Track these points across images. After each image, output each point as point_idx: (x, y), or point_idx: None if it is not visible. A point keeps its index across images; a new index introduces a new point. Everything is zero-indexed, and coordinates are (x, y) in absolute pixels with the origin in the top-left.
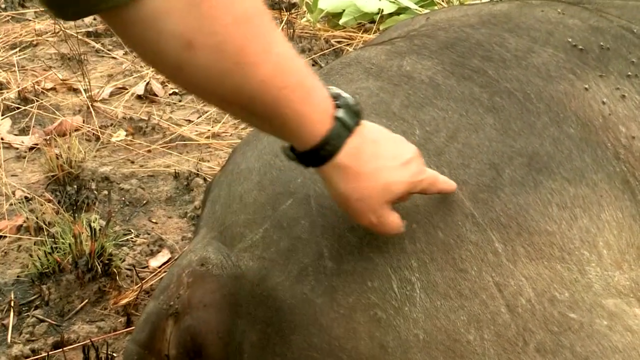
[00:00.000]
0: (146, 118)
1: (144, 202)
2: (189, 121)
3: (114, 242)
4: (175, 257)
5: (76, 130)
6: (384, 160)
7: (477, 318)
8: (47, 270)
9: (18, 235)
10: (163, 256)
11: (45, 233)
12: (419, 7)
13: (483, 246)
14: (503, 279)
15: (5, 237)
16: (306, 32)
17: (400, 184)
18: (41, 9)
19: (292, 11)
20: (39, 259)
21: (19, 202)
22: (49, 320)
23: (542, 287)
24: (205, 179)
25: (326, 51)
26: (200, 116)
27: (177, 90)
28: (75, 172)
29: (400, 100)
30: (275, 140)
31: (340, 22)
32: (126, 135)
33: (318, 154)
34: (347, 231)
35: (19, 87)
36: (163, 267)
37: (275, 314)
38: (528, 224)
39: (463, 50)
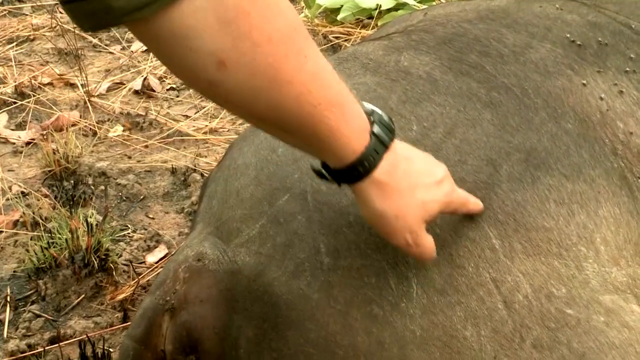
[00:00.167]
0: (143, 113)
1: (141, 197)
2: (187, 116)
3: (110, 237)
4: (172, 253)
5: (73, 125)
6: (419, 177)
7: (473, 314)
8: (43, 266)
9: (14, 230)
10: (160, 251)
11: (42, 228)
12: (417, 2)
13: (480, 242)
14: (500, 275)
15: (1, 232)
16: None
17: (435, 203)
18: (38, 4)
19: None
20: (36, 254)
21: (16, 197)
22: (46, 316)
23: (539, 283)
24: (202, 175)
25: (324, 47)
26: (198, 111)
27: (174, 86)
28: (72, 167)
29: (398, 96)
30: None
31: (338, 17)
32: (123, 131)
33: (355, 171)
34: (344, 227)
35: (15, 82)
36: (160, 262)
37: (272, 310)
38: (525, 220)
39: (461, 45)
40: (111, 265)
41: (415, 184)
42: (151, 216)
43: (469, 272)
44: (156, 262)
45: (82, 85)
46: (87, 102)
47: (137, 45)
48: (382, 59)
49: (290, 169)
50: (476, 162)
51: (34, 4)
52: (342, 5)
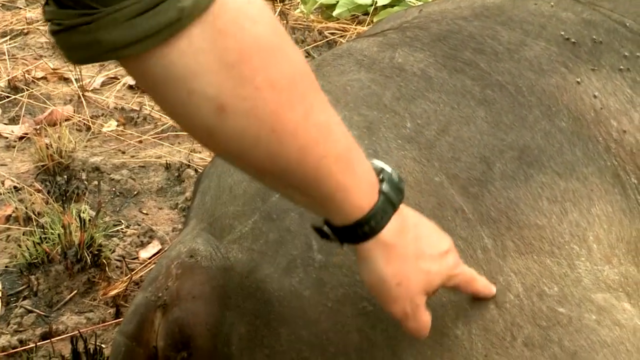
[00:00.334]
0: (137, 108)
1: (135, 192)
2: None
3: (103, 232)
4: (166, 249)
5: (67, 120)
6: (426, 246)
7: (465, 313)
8: (35, 261)
9: (7, 225)
10: (153, 247)
11: (35, 223)
12: None
13: (472, 242)
14: (492, 274)
15: None
16: (300, 24)
17: (438, 275)
18: None
19: (286, 2)
20: (28, 249)
21: (8, 192)
22: (37, 311)
23: (531, 281)
24: (196, 170)
25: (319, 43)
26: None
27: None
28: (66, 162)
29: (392, 93)
30: None
31: (334, 13)
32: (117, 126)
33: (361, 230)
34: None
35: (9, 76)
36: (153, 258)
37: (264, 306)
38: (518, 217)
39: (455, 42)
40: (104, 260)
41: (422, 252)
42: (145, 212)
43: None
44: (149, 258)
45: (76, 79)
46: (81, 96)
47: None
48: (377, 55)
49: None
50: (469, 159)
51: None
52: (337, 2)
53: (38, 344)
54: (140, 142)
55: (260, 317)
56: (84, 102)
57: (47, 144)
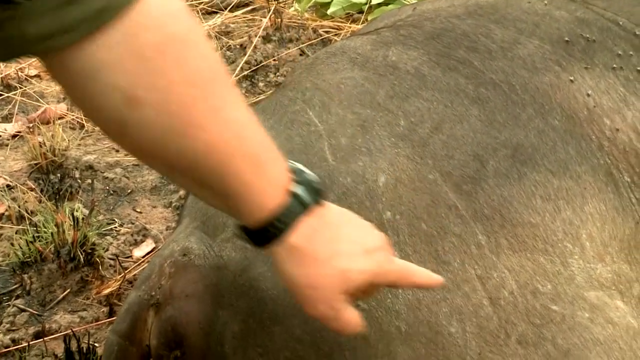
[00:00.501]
0: None
1: (129, 191)
2: None
3: (97, 231)
4: (159, 247)
5: (60, 118)
6: (344, 245)
7: (459, 310)
8: (28, 260)
9: None
10: (147, 246)
11: (27, 222)
12: None
13: (466, 238)
14: (486, 271)
15: None
16: (294, 22)
17: (360, 273)
18: None
19: (280, 0)
20: (21, 247)
21: (1, 190)
22: (30, 310)
23: (525, 279)
24: None
25: (314, 41)
26: None
27: None
28: (59, 161)
29: (386, 91)
30: None
31: (329, 12)
32: None
33: (268, 232)
34: None
35: (1, 74)
36: (147, 256)
37: (257, 305)
38: (512, 215)
39: (449, 40)
40: (97, 259)
41: (338, 252)
42: (138, 210)
43: (455, 268)
44: (143, 257)
45: None
46: None
47: None
48: (370, 53)
49: None
50: (463, 157)
51: None
52: (332, 0)
53: (31, 343)
54: None
55: (253, 315)
56: None
57: (40, 142)
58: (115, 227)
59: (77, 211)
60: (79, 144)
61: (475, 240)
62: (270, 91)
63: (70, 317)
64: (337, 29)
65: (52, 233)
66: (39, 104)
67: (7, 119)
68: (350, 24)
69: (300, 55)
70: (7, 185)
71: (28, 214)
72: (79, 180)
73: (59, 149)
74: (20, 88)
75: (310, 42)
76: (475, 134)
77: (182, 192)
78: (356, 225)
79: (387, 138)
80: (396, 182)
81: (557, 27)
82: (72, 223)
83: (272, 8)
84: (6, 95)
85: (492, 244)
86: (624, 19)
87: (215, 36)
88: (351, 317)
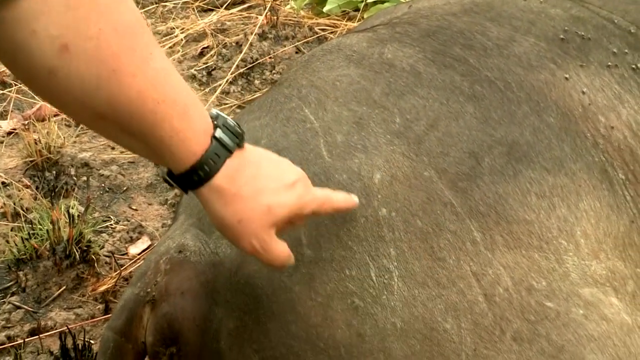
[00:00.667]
0: None
1: (124, 188)
2: None
3: (92, 228)
4: (155, 244)
5: (55, 115)
6: (266, 182)
7: (454, 307)
8: (24, 257)
9: None
10: (143, 243)
11: (23, 219)
12: None
13: (461, 235)
14: (481, 267)
15: None
16: (290, 20)
17: (283, 207)
18: None
19: None
20: (16, 245)
21: None
22: (26, 307)
23: (520, 276)
24: None
25: (310, 39)
26: None
27: None
28: (54, 158)
29: (381, 88)
30: (255, 127)
31: (324, 9)
32: None
33: (195, 175)
34: (325, 219)
35: None
36: (142, 254)
37: (253, 302)
38: (507, 212)
39: (445, 38)
40: (93, 256)
41: (261, 189)
42: (134, 207)
43: (450, 264)
44: (139, 254)
45: None
46: None
47: None
48: (366, 51)
49: None
50: (458, 154)
51: None
52: None
53: (26, 340)
54: None
55: (249, 312)
56: None
57: (35, 140)
58: (111, 225)
59: (72, 208)
60: (75, 142)
61: (470, 237)
62: (266, 89)
63: (65, 314)
64: (333, 26)
65: (47, 230)
66: (34, 101)
67: (2, 116)
68: (346, 21)
69: (296, 52)
70: (3, 183)
71: (23, 211)
72: (75, 178)
73: (54, 146)
74: (16, 85)
75: (306, 39)
76: (471, 131)
77: (177, 190)
78: (275, 162)
79: (382, 135)
80: (392, 179)
81: (552, 25)
82: (67, 220)
83: (268, 6)
84: (1, 92)
85: (487, 241)
86: (618, 17)
87: (211, 34)
88: (281, 250)
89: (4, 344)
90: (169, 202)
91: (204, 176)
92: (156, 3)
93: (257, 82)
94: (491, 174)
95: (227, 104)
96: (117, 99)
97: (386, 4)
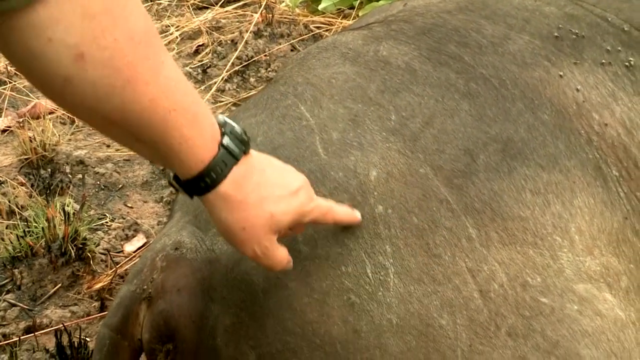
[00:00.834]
0: None
1: (120, 186)
2: None
3: (88, 226)
4: (151, 242)
5: (50, 113)
6: (271, 189)
7: (450, 303)
8: (19, 254)
9: None
10: (138, 241)
11: (18, 217)
12: None
13: (457, 232)
14: (476, 264)
15: None
16: (285, 17)
17: (286, 214)
18: None
19: None
20: (11, 242)
21: None
22: (21, 305)
23: (515, 272)
24: None
25: (305, 37)
26: None
27: None
28: (49, 156)
29: (377, 86)
30: (251, 125)
31: (320, 7)
32: None
33: (202, 182)
34: None
35: None
36: (138, 251)
37: (249, 298)
38: (502, 209)
39: (440, 36)
40: (88, 254)
41: (265, 196)
42: (129, 205)
43: (446, 261)
44: (134, 251)
45: None
46: None
47: None
48: (362, 48)
49: None
50: (454, 151)
51: None
52: None
53: (22, 337)
54: None
55: (245, 309)
56: None
57: (30, 137)
58: (107, 222)
59: (68, 206)
60: (70, 139)
61: (466, 234)
62: (262, 86)
63: (61, 311)
64: (328, 24)
65: (42, 228)
66: (28, 98)
67: None
68: (341, 19)
69: (292, 50)
70: None
71: (19, 209)
72: (70, 175)
73: (49, 144)
74: (10, 83)
75: (301, 37)
76: (466, 128)
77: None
78: (279, 169)
79: (378, 132)
80: (388, 177)
81: (546, 23)
82: (63, 218)
83: (264, 4)
84: None
85: (482, 238)
86: (612, 15)
87: (207, 31)
88: (282, 255)
89: (0, 341)
90: (164, 199)
91: (211, 183)
92: (151, 1)
93: (252, 80)
94: (486, 171)
95: (222, 101)
96: (129, 107)
97: (381, 2)
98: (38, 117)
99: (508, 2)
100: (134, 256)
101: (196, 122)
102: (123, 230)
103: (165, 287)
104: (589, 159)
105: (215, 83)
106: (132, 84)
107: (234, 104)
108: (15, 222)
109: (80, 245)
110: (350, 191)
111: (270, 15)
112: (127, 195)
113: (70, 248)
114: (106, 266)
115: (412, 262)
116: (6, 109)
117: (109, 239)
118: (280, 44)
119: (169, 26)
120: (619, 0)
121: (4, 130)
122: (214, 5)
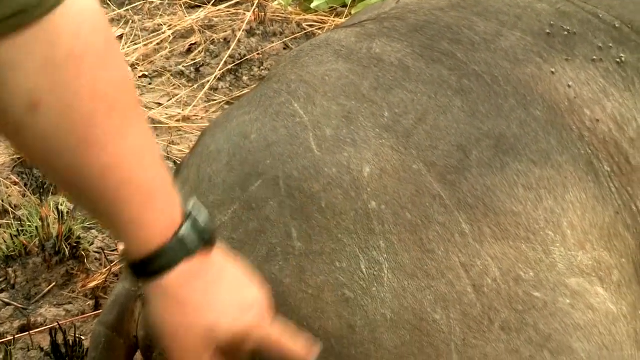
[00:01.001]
0: None
1: None
2: (159, 104)
3: (82, 225)
4: None
5: None
6: (220, 297)
7: (443, 298)
8: (13, 253)
9: None
10: None
11: (12, 216)
12: None
13: (450, 227)
14: (469, 259)
15: None
16: (278, 16)
17: (227, 329)
18: None
19: None
20: (5, 241)
21: None
22: (15, 304)
23: (508, 266)
24: (175, 163)
25: (298, 35)
26: (171, 99)
27: (146, 73)
28: None
29: (370, 83)
30: (245, 122)
31: (312, 5)
32: None
33: (146, 267)
34: (315, 212)
35: None
36: None
37: None
38: (494, 204)
39: (432, 33)
40: (83, 252)
41: (209, 305)
42: None
43: (439, 256)
44: None
45: None
46: None
47: None
48: (355, 46)
49: (262, 155)
50: (447, 147)
51: None
52: None
53: (16, 336)
54: None
55: None
56: None
57: None
58: None
59: (61, 205)
60: None
61: (459, 229)
62: (255, 85)
63: (55, 310)
64: (320, 22)
65: (36, 227)
66: None
67: None
68: (333, 17)
69: (284, 49)
70: None
71: (12, 208)
72: None
73: None
74: None
75: (294, 36)
76: (459, 124)
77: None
78: (239, 280)
79: (371, 129)
80: (381, 173)
81: (538, 20)
82: (56, 217)
83: (256, 2)
84: None
85: (475, 233)
86: (603, 12)
87: (199, 30)
88: None
89: None
90: None
91: (155, 271)
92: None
93: (245, 78)
94: (479, 166)
95: (215, 100)
96: (80, 169)
97: (373, 0)
98: None
99: None
100: None
101: (150, 202)
102: None
103: None
104: (580, 155)
105: (208, 82)
106: (86, 145)
107: (227, 103)
108: (9, 222)
109: (75, 244)
110: (344, 187)
111: (263, 14)
112: None
113: (65, 247)
114: (100, 264)
115: (406, 257)
116: None
117: (103, 238)
118: (273, 42)
119: (161, 25)
120: None
121: None
122: (206, 4)
